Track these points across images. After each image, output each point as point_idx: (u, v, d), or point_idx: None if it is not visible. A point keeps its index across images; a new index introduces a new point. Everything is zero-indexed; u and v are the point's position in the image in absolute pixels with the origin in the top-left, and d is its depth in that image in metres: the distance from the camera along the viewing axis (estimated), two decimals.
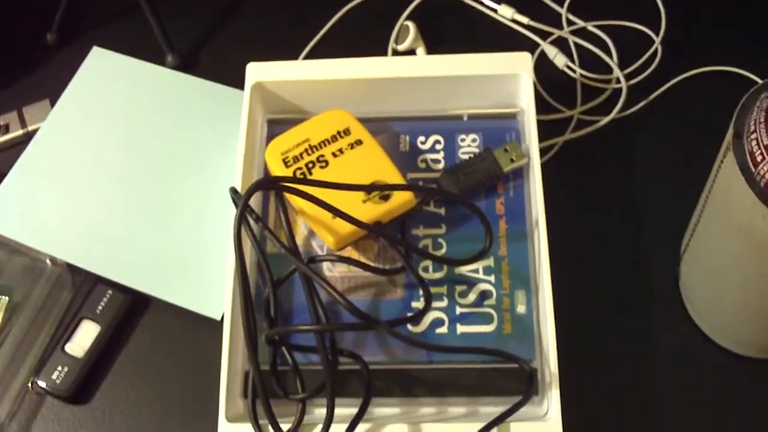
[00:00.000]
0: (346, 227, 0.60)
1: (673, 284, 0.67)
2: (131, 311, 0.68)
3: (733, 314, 0.62)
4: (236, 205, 0.60)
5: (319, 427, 0.57)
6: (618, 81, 0.75)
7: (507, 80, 0.67)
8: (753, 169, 0.52)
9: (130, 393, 0.66)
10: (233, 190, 0.61)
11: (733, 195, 0.54)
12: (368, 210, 0.61)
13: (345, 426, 0.57)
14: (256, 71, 0.68)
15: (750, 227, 0.53)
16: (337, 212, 0.59)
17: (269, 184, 0.61)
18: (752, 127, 0.52)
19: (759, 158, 0.51)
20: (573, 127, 0.74)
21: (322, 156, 0.63)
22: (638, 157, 0.72)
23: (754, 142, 0.52)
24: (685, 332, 0.66)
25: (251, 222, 0.61)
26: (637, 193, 0.71)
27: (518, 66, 0.67)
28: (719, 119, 0.55)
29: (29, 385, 0.66)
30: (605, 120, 0.73)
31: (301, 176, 0.62)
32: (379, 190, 0.61)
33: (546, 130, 0.72)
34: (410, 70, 0.68)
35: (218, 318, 0.66)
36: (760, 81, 0.73)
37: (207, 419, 0.59)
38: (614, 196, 0.71)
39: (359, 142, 0.64)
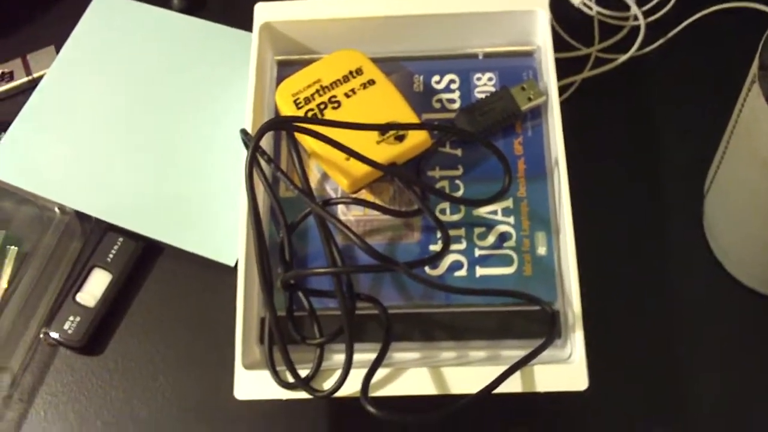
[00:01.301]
0: (360, 168, 0.59)
1: (697, 224, 0.66)
2: (143, 259, 0.67)
3: (760, 252, 0.61)
4: (247, 146, 0.58)
5: (338, 372, 0.56)
6: (636, 18, 0.73)
7: (523, 17, 0.65)
8: None
9: (143, 342, 0.65)
10: (243, 132, 0.60)
11: (758, 128, 0.52)
12: (383, 151, 0.60)
13: (364, 371, 0.55)
14: (265, 11, 0.66)
15: None
16: (350, 152, 0.58)
17: (280, 124, 0.60)
18: None
19: None
20: (591, 65, 0.72)
21: (334, 96, 0.62)
22: (658, 95, 0.71)
23: None
24: (710, 272, 0.65)
25: (263, 164, 0.60)
26: (658, 131, 0.70)
27: (534, 2, 0.65)
28: (739, 56, 0.54)
29: (41, 336, 0.65)
30: (623, 58, 0.72)
31: (314, 117, 0.61)
32: (393, 129, 0.60)
33: (563, 69, 0.70)
34: (423, 7, 0.66)
35: (232, 264, 0.65)
36: None
37: (223, 367, 0.58)
38: (634, 135, 0.70)
39: (372, 82, 0.63)
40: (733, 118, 0.57)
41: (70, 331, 0.64)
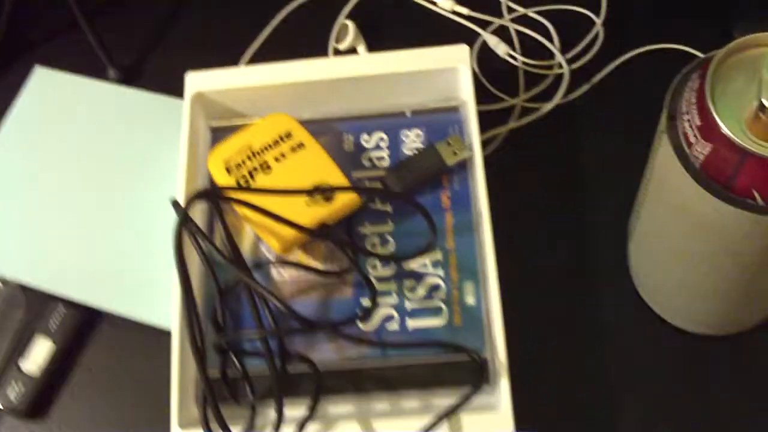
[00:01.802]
0: (290, 232, 0.60)
1: (622, 268, 0.67)
2: (85, 326, 0.68)
3: (683, 293, 0.62)
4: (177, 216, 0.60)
5: (270, 430, 0.57)
6: (560, 66, 0.75)
7: (446, 74, 0.67)
8: (687, 151, 0.51)
9: (86, 407, 0.66)
10: (174, 203, 0.61)
11: (669, 177, 0.54)
12: (313, 212, 0.61)
13: (296, 428, 0.57)
14: (196, 80, 0.68)
15: (687, 207, 0.53)
16: (279, 219, 0.59)
17: (208, 195, 0.61)
18: (684, 108, 0.52)
19: (692, 139, 0.51)
20: (517, 116, 0.74)
21: (265, 162, 0.63)
22: (583, 142, 0.72)
23: (686, 123, 0.51)
24: (636, 314, 0.66)
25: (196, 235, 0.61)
26: (583, 178, 0.71)
27: (456, 59, 0.67)
28: (663, 99, 0.55)
29: None
30: (549, 106, 0.73)
31: (245, 183, 0.62)
32: (320, 193, 0.61)
33: (491, 120, 0.72)
34: (350, 70, 0.68)
35: (170, 328, 0.66)
36: (702, 56, 0.73)
37: (164, 427, 0.59)
38: (560, 182, 0.71)
39: (301, 145, 0.64)
40: (648, 165, 0.59)
41: (14, 399, 0.65)
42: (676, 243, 0.58)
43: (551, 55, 0.75)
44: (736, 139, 0.48)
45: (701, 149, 0.50)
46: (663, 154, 0.54)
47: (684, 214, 0.54)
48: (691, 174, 0.51)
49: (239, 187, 0.61)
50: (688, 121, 0.51)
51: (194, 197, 0.59)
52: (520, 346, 0.60)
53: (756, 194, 0.50)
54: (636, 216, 0.63)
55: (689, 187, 0.52)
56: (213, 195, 0.61)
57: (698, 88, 0.51)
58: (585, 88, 0.74)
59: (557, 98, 0.73)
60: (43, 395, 0.66)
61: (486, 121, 0.67)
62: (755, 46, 0.52)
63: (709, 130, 0.50)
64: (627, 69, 0.75)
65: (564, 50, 0.76)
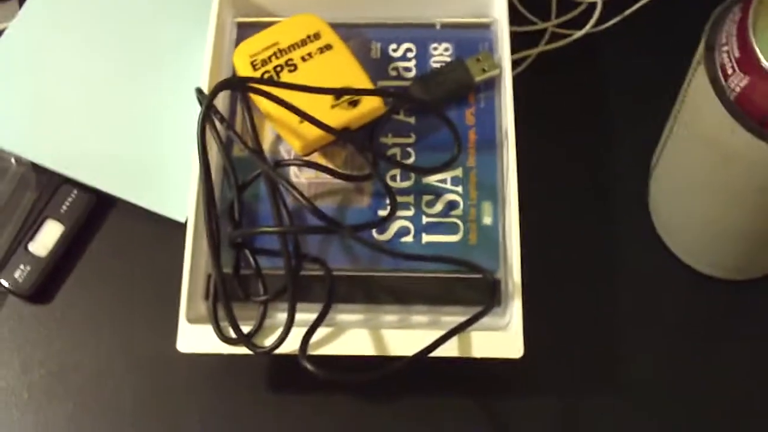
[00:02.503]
0: (313, 131, 0.60)
1: (642, 201, 0.67)
2: (96, 212, 0.68)
3: (701, 233, 0.62)
4: (201, 105, 0.59)
5: (280, 330, 0.57)
6: None
7: None
8: (723, 82, 0.51)
9: (91, 294, 0.66)
10: (198, 91, 0.60)
11: (703, 108, 0.53)
12: (336, 115, 0.60)
13: (306, 329, 0.56)
14: None
15: (718, 140, 0.53)
16: (304, 115, 0.58)
17: (235, 84, 0.60)
18: (724, 40, 0.51)
19: (730, 71, 0.50)
20: (547, 40, 0.73)
21: (291, 60, 0.62)
22: (612, 72, 0.72)
23: (725, 55, 0.51)
24: (652, 250, 0.66)
25: (217, 124, 0.61)
26: (610, 108, 0.71)
27: None
28: (695, 36, 0.55)
29: None
30: (578, 34, 0.72)
31: (269, 79, 0.62)
32: (347, 94, 0.61)
33: (519, 42, 0.71)
34: None
35: (183, 220, 0.65)
36: None
37: (169, 321, 0.59)
38: (586, 110, 0.71)
39: (329, 47, 0.63)
40: (680, 96, 0.58)
41: (20, 280, 0.65)
42: (702, 177, 0.57)
43: None
44: None
45: (738, 81, 0.50)
46: (698, 85, 0.54)
47: (714, 148, 0.54)
48: (725, 106, 0.51)
49: (265, 80, 0.61)
50: (727, 52, 0.51)
51: (221, 85, 0.58)
52: (533, 272, 0.59)
53: None
54: (661, 149, 0.63)
55: (722, 119, 0.51)
56: (240, 84, 0.60)
57: (740, 20, 0.50)
58: (617, 18, 0.73)
59: (588, 26, 0.72)
60: (49, 278, 0.66)
61: (515, 42, 0.65)
62: None
63: (748, 62, 0.49)
64: (660, 5, 0.73)
65: None
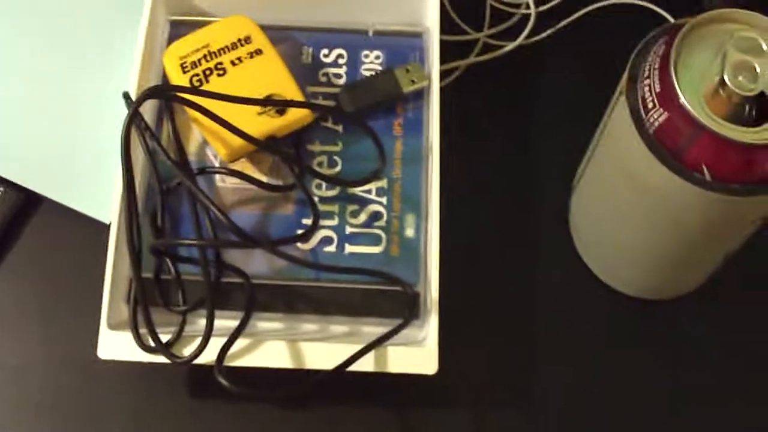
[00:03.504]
0: (238, 140, 0.60)
1: (562, 217, 0.68)
2: (22, 210, 0.67)
3: (617, 253, 0.63)
4: (128, 109, 0.59)
5: (199, 339, 0.57)
6: (527, 6, 0.74)
7: None
8: (644, 116, 0.52)
9: (16, 292, 0.65)
10: (126, 95, 0.60)
11: (622, 138, 0.54)
12: (263, 123, 0.60)
13: (224, 340, 0.57)
14: None
15: (636, 171, 0.54)
16: (228, 126, 0.58)
17: (160, 93, 0.60)
18: (647, 73, 0.52)
19: (650, 105, 0.51)
20: (478, 51, 0.73)
21: (221, 63, 0.62)
22: (540, 86, 0.72)
23: (647, 88, 0.51)
24: (571, 268, 0.67)
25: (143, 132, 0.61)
26: (536, 123, 0.71)
27: None
28: (626, 55, 0.55)
29: None
30: (511, 46, 0.73)
31: (198, 83, 0.61)
32: (273, 105, 0.61)
33: (451, 52, 0.71)
34: None
35: (109, 222, 0.65)
36: (671, 19, 0.73)
37: (92, 324, 0.59)
38: (512, 124, 0.71)
39: (259, 52, 0.63)
40: (602, 122, 0.59)
41: None
42: (619, 204, 0.58)
43: None
44: (693, 111, 0.49)
45: (657, 116, 0.51)
46: (618, 115, 0.54)
47: (631, 177, 0.55)
48: (643, 139, 0.51)
49: (193, 89, 0.61)
50: (649, 86, 0.51)
51: (146, 94, 0.58)
52: (451, 285, 0.60)
53: (705, 169, 0.50)
54: (583, 168, 0.64)
55: (640, 151, 0.52)
56: (166, 93, 0.60)
57: (663, 55, 0.51)
58: (549, 32, 0.74)
59: (521, 38, 0.73)
60: None
61: (446, 52, 0.66)
62: (725, 21, 0.52)
63: (667, 98, 0.50)
64: (594, 19, 0.74)
65: None
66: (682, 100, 0.49)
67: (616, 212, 0.59)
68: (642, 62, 0.53)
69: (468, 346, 0.64)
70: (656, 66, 0.51)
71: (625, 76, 0.53)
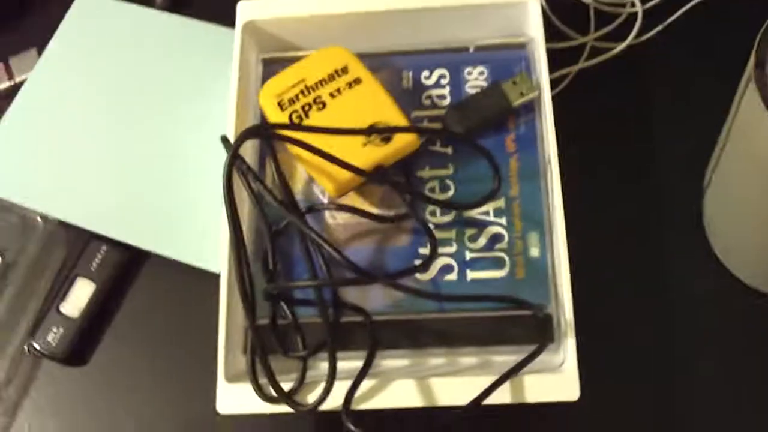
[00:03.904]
0: (345, 174, 0.57)
1: (696, 221, 0.64)
2: (127, 267, 0.66)
3: (760, 251, 0.59)
4: (227, 152, 0.57)
5: (323, 384, 0.54)
6: (633, 5, 0.70)
7: (514, 8, 0.63)
8: None
9: (128, 353, 0.64)
10: (224, 139, 0.58)
11: (755, 127, 0.50)
12: (369, 153, 0.58)
13: (350, 382, 0.54)
14: (247, 10, 0.65)
15: None
16: (333, 159, 0.56)
17: (259, 132, 0.58)
18: None
19: None
20: (586, 56, 0.70)
21: (319, 97, 0.60)
22: (656, 85, 0.69)
23: None
24: (710, 271, 0.63)
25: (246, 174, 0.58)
26: (656, 123, 0.67)
27: None
28: (741, 44, 0.52)
29: (25, 348, 0.63)
30: (620, 47, 0.69)
31: (298, 119, 0.59)
32: (377, 133, 0.58)
33: (558, 60, 0.68)
34: (410, 2, 0.64)
35: (218, 271, 0.63)
36: None
37: (209, 377, 0.56)
38: (631, 127, 0.68)
39: (358, 81, 0.61)
40: (731, 115, 0.55)
41: (53, 343, 0.63)
42: (758, 197, 0.54)
43: None
44: None
45: None
46: (748, 103, 0.51)
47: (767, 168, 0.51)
48: None
49: (292, 125, 0.58)
50: None
51: (245, 134, 0.55)
52: (585, 302, 0.56)
53: None
54: (713, 168, 0.59)
55: None
56: (265, 132, 0.58)
57: None
58: (659, 28, 0.70)
59: (630, 38, 0.69)
60: (83, 340, 0.64)
61: (552, 60, 0.63)
62: None
63: None
64: (704, 11, 0.71)
65: None
66: None
67: (755, 208, 0.55)
68: None
69: (608, 368, 0.60)
70: None
71: (752, 61, 0.50)
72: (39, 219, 0.66)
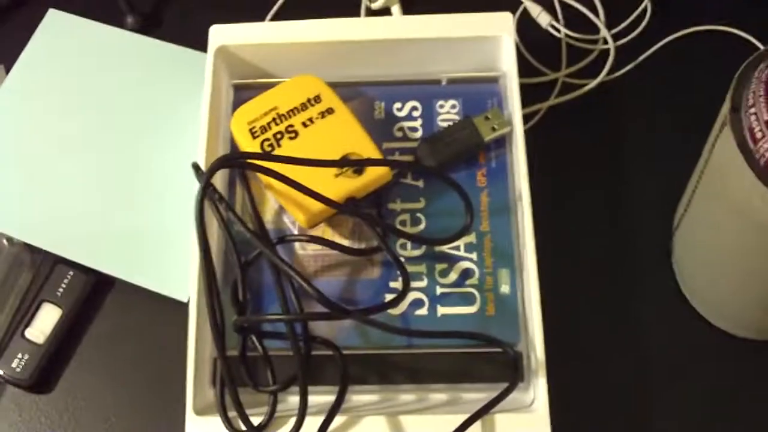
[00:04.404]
0: (316, 205, 0.57)
1: (664, 261, 0.64)
2: (94, 293, 0.65)
3: (730, 295, 0.59)
4: (199, 181, 0.56)
5: (293, 420, 0.54)
6: (605, 41, 0.71)
7: (487, 42, 0.64)
8: (752, 147, 0.48)
9: (94, 380, 0.63)
10: (195, 167, 0.57)
11: (730, 173, 0.50)
12: (341, 185, 0.58)
13: (321, 417, 0.53)
14: (220, 34, 0.64)
15: (748, 208, 0.50)
16: (305, 190, 0.56)
17: (231, 162, 0.57)
18: (751, 101, 0.48)
19: (759, 135, 0.48)
20: (558, 92, 0.70)
21: (291, 126, 0.60)
22: (627, 123, 0.69)
23: (753, 117, 0.48)
24: (677, 312, 0.63)
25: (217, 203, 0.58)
26: (627, 161, 0.68)
27: (499, 27, 0.63)
28: (713, 83, 0.52)
29: None
30: (592, 83, 0.69)
31: (269, 148, 0.59)
32: (350, 165, 0.58)
33: (530, 94, 0.69)
34: (384, 32, 0.64)
35: (186, 300, 0.63)
36: (757, 43, 0.69)
37: (176, 408, 0.56)
38: (602, 164, 0.68)
39: (331, 111, 0.60)
40: (703, 157, 0.55)
41: (18, 369, 0.62)
42: (730, 241, 0.55)
43: (596, 30, 0.71)
44: None
45: None
46: (723, 148, 0.51)
47: (742, 213, 0.51)
48: (755, 171, 0.48)
49: (265, 154, 0.58)
50: (755, 114, 0.48)
51: (218, 164, 0.55)
52: (553, 342, 0.56)
53: None
54: (683, 208, 0.60)
55: (752, 185, 0.48)
56: (238, 161, 0.58)
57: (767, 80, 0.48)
58: (631, 66, 0.71)
59: (602, 75, 0.70)
60: (49, 366, 0.63)
61: (524, 95, 0.63)
62: None
63: None
64: (676, 48, 0.71)
65: (610, 25, 0.72)
66: None
67: (725, 251, 0.56)
68: (744, 90, 0.50)
69: (577, 407, 0.60)
70: (761, 92, 0.48)
71: (727, 106, 0.50)
72: (5, 241, 0.65)
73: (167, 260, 0.64)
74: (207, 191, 0.55)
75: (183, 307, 0.62)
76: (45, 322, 0.63)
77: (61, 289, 0.64)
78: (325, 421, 0.53)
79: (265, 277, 0.59)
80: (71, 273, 0.64)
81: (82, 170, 0.68)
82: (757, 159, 0.48)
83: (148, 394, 0.62)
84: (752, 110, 0.48)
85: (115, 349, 0.64)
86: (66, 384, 0.63)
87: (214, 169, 0.55)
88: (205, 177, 0.55)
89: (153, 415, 0.62)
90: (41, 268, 0.65)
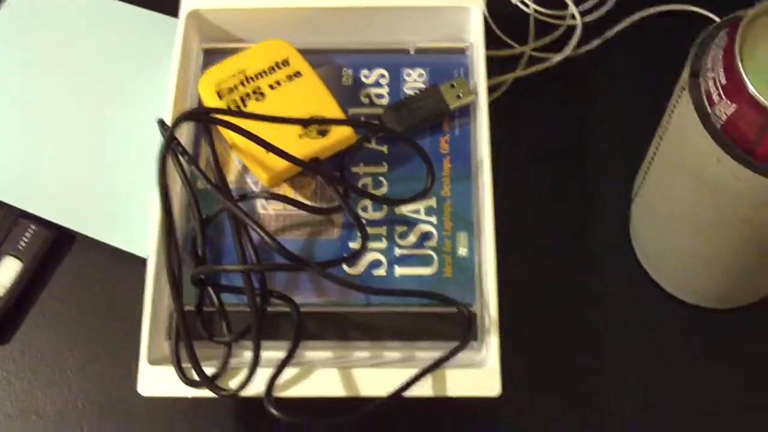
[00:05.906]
0: (280, 163, 0.57)
1: (623, 229, 0.65)
2: (56, 248, 0.65)
3: (684, 262, 0.60)
4: (163, 137, 0.57)
5: (246, 371, 0.54)
6: (573, 17, 0.71)
7: (457, 13, 0.64)
8: (709, 110, 0.49)
9: (52, 333, 0.63)
10: (161, 122, 0.58)
11: (687, 136, 0.51)
12: (305, 145, 0.58)
13: (273, 370, 0.54)
14: None
15: (704, 171, 0.51)
16: (269, 147, 0.56)
17: (197, 116, 0.58)
18: (709, 65, 0.49)
19: (716, 98, 0.48)
20: (524, 65, 0.71)
21: (259, 88, 0.60)
22: (590, 97, 0.70)
23: (711, 81, 0.49)
24: (633, 278, 0.64)
25: (181, 156, 0.58)
26: (589, 133, 0.68)
27: None
28: (677, 60, 0.53)
29: None
30: (557, 58, 0.70)
31: (236, 108, 0.59)
32: (316, 124, 0.58)
33: (496, 67, 0.69)
34: (354, 0, 0.64)
35: (146, 256, 0.63)
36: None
37: (133, 361, 0.56)
38: (564, 135, 0.68)
39: (298, 74, 0.61)
40: (663, 123, 0.56)
41: None
42: (685, 207, 0.55)
43: (564, 5, 0.72)
44: (763, 100, 0.46)
45: (724, 109, 0.48)
46: (681, 112, 0.52)
47: (698, 177, 0.52)
48: (710, 134, 0.49)
49: (230, 111, 0.58)
50: (713, 79, 0.49)
51: (182, 117, 0.55)
52: (510, 304, 0.57)
53: None
54: (642, 176, 0.61)
55: (707, 147, 0.49)
56: (203, 116, 0.58)
57: (726, 45, 0.48)
58: (597, 42, 0.71)
59: (568, 50, 0.70)
60: (7, 318, 0.63)
61: (491, 67, 0.63)
62: None
63: (735, 89, 0.47)
64: (642, 27, 0.72)
65: (578, 1, 0.72)
66: (751, 89, 0.46)
67: (681, 218, 0.56)
68: (703, 56, 0.50)
69: (530, 368, 0.61)
70: (719, 58, 0.48)
71: (686, 71, 0.51)
72: None
73: (131, 217, 0.65)
74: (171, 144, 0.56)
75: (144, 263, 0.62)
76: (5, 274, 0.63)
77: (23, 243, 0.64)
78: (276, 371, 0.53)
79: (225, 236, 0.59)
80: (33, 227, 0.64)
81: (49, 127, 0.68)
82: (713, 122, 0.49)
83: (105, 347, 0.62)
84: (710, 74, 0.49)
85: (74, 303, 0.64)
86: (23, 336, 0.63)
87: (179, 120, 0.55)
88: (169, 130, 0.55)
89: (110, 369, 0.62)
90: (3, 222, 0.65)
